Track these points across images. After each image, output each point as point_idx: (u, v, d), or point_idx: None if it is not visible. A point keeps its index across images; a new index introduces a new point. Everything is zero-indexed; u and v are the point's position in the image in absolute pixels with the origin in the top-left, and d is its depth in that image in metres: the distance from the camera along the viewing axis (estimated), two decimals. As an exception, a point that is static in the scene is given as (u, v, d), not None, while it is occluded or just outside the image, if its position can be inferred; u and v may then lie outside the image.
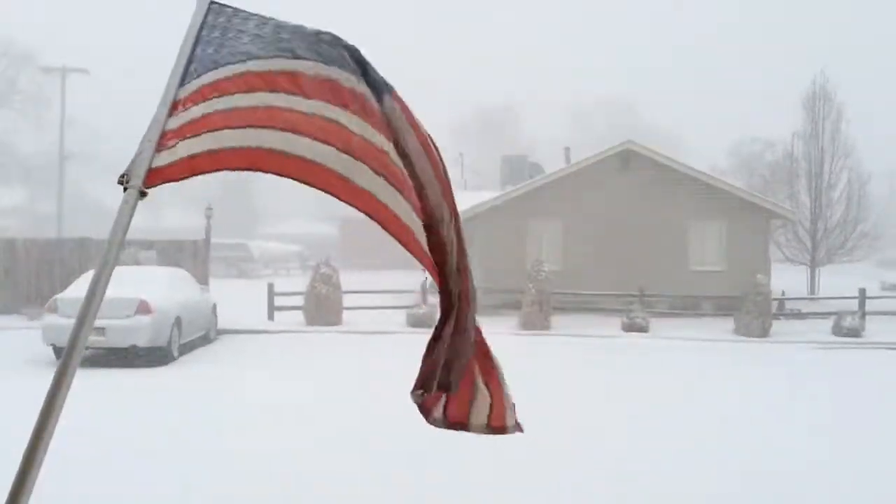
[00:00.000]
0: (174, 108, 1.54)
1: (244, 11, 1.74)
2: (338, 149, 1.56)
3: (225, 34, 1.67)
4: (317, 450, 7.45)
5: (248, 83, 1.57)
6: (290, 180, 1.56)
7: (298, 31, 1.71)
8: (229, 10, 1.73)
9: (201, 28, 1.67)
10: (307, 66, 1.62)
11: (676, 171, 21.86)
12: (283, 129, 1.52)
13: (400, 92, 1.80)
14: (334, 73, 1.64)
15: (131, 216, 1.45)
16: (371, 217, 1.64)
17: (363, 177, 1.59)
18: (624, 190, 21.52)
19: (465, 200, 24.24)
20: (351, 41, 1.78)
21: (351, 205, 1.60)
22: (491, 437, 2.23)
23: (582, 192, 21.59)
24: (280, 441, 7.74)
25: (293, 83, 1.59)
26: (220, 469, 6.85)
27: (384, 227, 1.66)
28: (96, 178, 46.91)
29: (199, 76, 1.57)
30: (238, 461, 7.05)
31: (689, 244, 21.73)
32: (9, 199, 49.88)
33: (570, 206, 21.51)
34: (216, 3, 1.74)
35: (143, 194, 1.45)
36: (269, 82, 1.58)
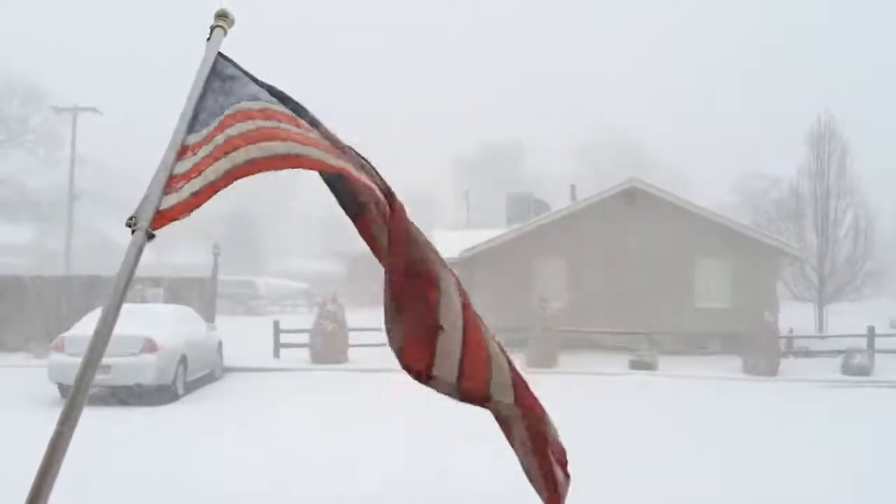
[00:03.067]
0: (182, 152, 1.58)
1: (245, 76, 1.81)
2: (322, 149, 1.70)
3: (233, 84, 1.76)
4: (311, 494, 7.38)
5: (248, 115, 1.68)
6: (272, 172, 1.66)
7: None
8: (234, 68, 1.81)
9: (210, 77, 1.71)
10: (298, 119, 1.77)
11: (682, 209, 21.91)
12: (265, 140, 1.63)
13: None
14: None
15: (139, 258, 1.47)
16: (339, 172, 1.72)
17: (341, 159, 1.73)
18: (629, 227, 21.55)
19: (470, 238, 24.32)
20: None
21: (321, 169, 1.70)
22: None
23: (587, 230, 21.63)
24: (280, 488, 7.67)
25: (289, 119, 1.72)
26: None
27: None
28: (105, 216, 47.24)
29: (206, 126, 1.63)
30: (236, 502, 6.99)
31: (696, 281, 21.67)
32: (18, 237, 50.17)
33: (575, 244, 21.53)
34: (224, 55, 1.79)
35: (150, 236, 1.47)
36: (266, 115, 1.70)
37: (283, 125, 1.70)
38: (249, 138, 1.63)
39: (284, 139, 1.65)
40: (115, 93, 54.25)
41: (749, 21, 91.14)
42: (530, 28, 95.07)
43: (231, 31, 1.84)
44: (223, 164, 1.57)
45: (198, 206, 1.54)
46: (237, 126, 1.65)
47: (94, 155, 45.64)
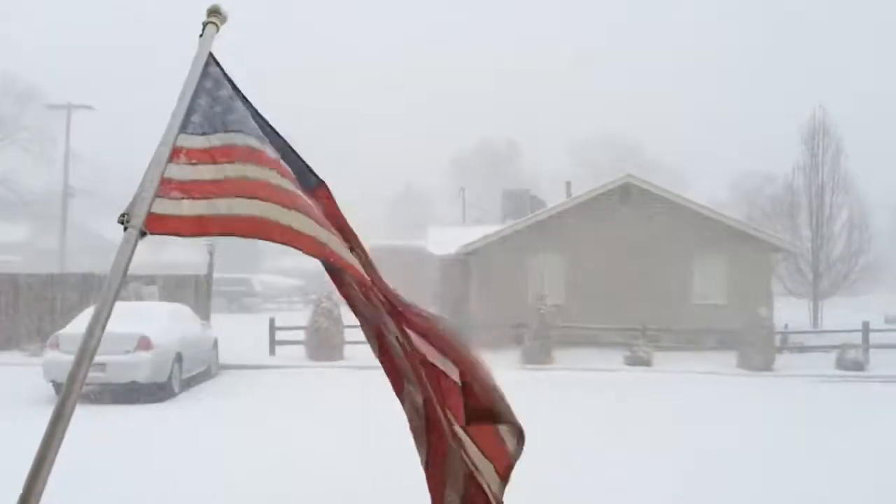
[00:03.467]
0: (176, 154, 1.56)
1: (233, 89, 1.80)
2: (330, 233, 1.71)
3: (233, 98, 1.75)
4: (310, 491, 7.37)
5: (253, 155, 1.66)
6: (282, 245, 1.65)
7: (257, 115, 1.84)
8: (224, 76, 1.79)
9: (202, 75, 1.70)
10: (276, 155, 1.76)
11: (677, 205, 21.94)
12: (281, 204, 1.61)
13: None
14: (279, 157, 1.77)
15: (131, 255, 1.46)
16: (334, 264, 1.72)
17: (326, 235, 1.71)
18: (625, 223, 21.57)
19: (466, 235, 24.31)
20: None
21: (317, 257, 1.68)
22: None
23: (583, 226, 21.64)
24: (278, 485, 7.67)
25: (290, 176, 1.73)
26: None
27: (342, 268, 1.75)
28: (100, 214, 47.14)
29: (204, 134, 1.61)
30: (230, 498, 6.98)
31: (691, 277, 21.70)
32: (12, 235, 50.05)
33: (571, 240, 21.54)
34: (214, 57, 1.78)
35: (143, 234, 1.46)
36: (271, 163, 1.69)
37: (291, 188, 1.68)
38: (265, 192, 1.60)
39: (302, 211, 1.64)
40: (109, 91, 54.07)
41: (746, 19, 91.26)
42: (528, 27, 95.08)
43: (223, 28, 1.83)
44: (238, 208, 1.54)
45: (205, 232, 1.52)
46: (247, 167, 1.62)
47: (88, 153, 45.52)
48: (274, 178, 1.65)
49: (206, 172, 1.57)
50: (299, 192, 1.70)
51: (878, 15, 77.13)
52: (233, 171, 1.60)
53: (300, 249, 1.63)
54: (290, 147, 1.87)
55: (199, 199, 1.52)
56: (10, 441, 6.45)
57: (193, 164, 1.57)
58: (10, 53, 53.49)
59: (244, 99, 1.83)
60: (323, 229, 1.69)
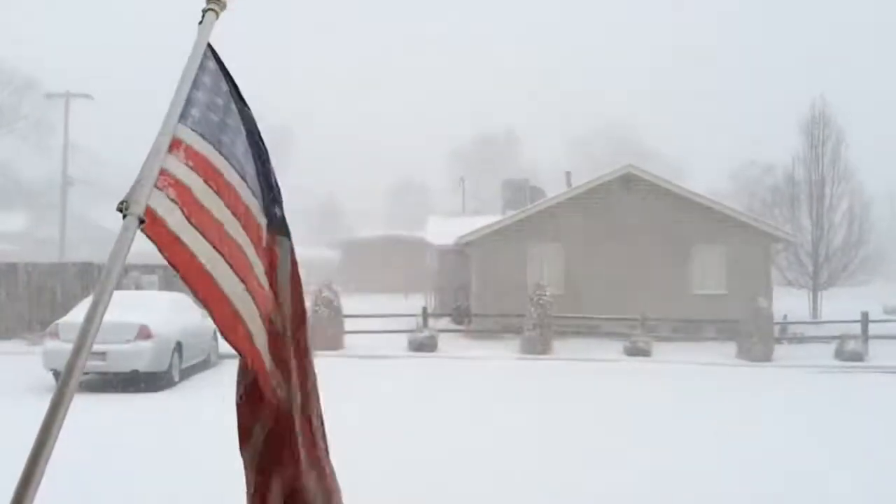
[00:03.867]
0: (176, 145, 1.55)
1: (223, 80, 1.80)
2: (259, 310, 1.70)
3: (228, 110, 1.76)
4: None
5: (232, 201, 1.68)
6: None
7: (245, 131, 1.83)
8: (218, 68, 1.79)
9: (201, 68, 1.70)
10: (250, 200, 1.77)
11: (677, 195, 21.93)
12: (245, 287, 1.64)
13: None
14: (252, 201, 1.78)
15: (130, 243, 1.45)
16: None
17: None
18: (625, 213, 21.56)
19: (465, 225, 24.31)
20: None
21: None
22: None
23: (583, 216, 21.64)
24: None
25: (247, 222, 1.73)
26: (216, 495, 6.78)
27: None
28: (99, 202, 47.10)
29: (202, 136, 1.62)
30: (234, 487, 6.99)
31: (691, 268, 21.72)
32: (11, 224, 49.99)
33: (571, 230, 21.54)
34: (213, 49, 1.77)
35: (142, 221, 1.44)
36: (243, 216, 1.71)
37: (252, 257, 1.70)
38: (244, 272, 1.63)
39: (259, 302, 1.68)
40: (108, 83, 53.91)
41: (745, 12, 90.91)
42: (528, 23, 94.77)
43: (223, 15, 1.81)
44: (228, 283, 1.57)
45: (178, 262, 1.49)
46: (230, 220, 1.64)
47: (86, 143, 45.46)
48: (246, 244, 1.68)
49: (198, 189, 1.57)
50: (253, 261, 1.71)
51: (877, 9, 76.91)
52: (216, 210, 1.61)
53: (244, 357, 1.66)
54: (269, 167, 1.87)
55: (191, 223, 1.52)
56: (11, 428, 6.46)
57: (190, 166, 1.56)
58: (10, 50, 53.36)
59: (239, 99, 1.81)
60: (262, 330, 1.70)
